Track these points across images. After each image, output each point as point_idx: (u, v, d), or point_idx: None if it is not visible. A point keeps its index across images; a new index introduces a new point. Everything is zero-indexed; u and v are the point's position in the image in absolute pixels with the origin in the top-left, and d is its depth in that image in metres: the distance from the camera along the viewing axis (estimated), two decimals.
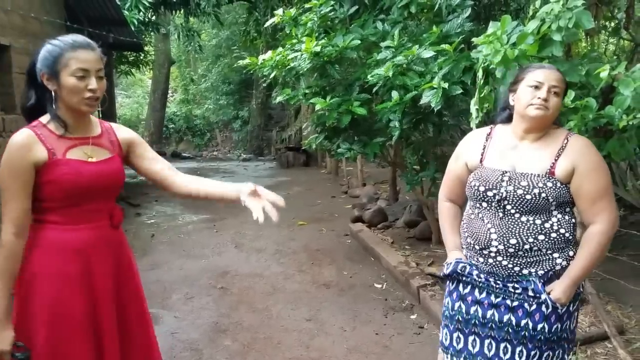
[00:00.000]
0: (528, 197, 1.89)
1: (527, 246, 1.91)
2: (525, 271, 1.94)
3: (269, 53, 4.77)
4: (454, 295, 2.11)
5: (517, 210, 1.91)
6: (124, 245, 2.00)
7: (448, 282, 2.16)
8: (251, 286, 4.56)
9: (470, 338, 2.06)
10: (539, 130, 1.96)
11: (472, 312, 2.04)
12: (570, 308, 1.97)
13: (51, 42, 1.78)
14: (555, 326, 1.95)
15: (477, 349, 2.04)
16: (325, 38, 4.50)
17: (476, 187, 2.00)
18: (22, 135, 1.73)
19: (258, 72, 5.09)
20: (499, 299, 1.99)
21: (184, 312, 4.00)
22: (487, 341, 2.03)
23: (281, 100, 5.09)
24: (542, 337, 1.95)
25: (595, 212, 1.90)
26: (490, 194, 1.95)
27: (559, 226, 1.93)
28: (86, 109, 1.79)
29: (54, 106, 1.77)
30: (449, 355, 2.13)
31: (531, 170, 1.93)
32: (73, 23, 7.16)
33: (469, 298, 2.06)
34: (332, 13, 4.75)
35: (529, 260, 1.93)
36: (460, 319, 2.08)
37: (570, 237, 1.96)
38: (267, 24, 5.46)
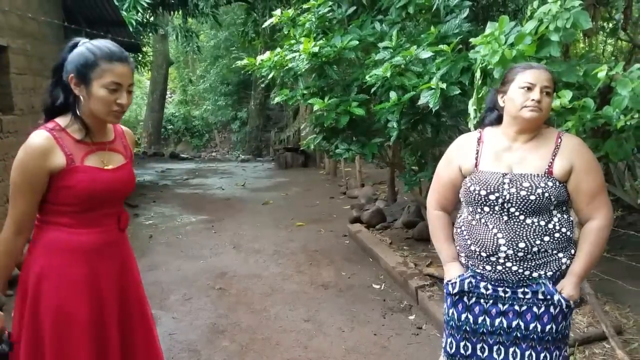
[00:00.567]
0: (532, 197, 1.87)
1: (535, 248, 1.90)
2: (535, 274, 1.93)
3: (267, 54, 4.77)
4: (460, 306, 2.07)
5: (522, 212, 1.90)
6: (128, 248, 2.01)
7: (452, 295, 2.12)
8: (249, 287, 4.56)
9: (479, 345, 2.05)
10: (532, 131, 1.96)
11: (479, 321, 2.03)
12: (574, 304, 1.98)
13: (86, 45, 1.73)
14: (561, 325, 1.97)
15: (486, 354, 2.04)
16: (324, 39, 4.50)
17: (477, 192, 1.96)
18: (42, 139, 1.70)
19: (256, 73, 5.10)
20: (506, 306, 1.98)
21: (182, 313, 4.00)
22: (495, 347, 2.03)
23: (279, 101, 5.09)
24: (550, 338, 1.96)
25: (593, 209, 1.93)
26: (492, 197, 1.92)
27: (561, 225, 1.93)
28: (112, 121, 1.79)
29: (77, 110, 1.75)
30: None
31: (529, 170, 1.92)
32: (71, 24, 7.15)
33: (476, 309, 2.03)
34: (331, 14, 4.76)
35: (537, 263, 1.92)
36: (468, 329, 2.05)
37: (571, 236, 1.97)
38: (265, 24, 5.46)
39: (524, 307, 1.96)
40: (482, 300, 2.02)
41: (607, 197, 1.96)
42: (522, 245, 1.90)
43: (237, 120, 21.72)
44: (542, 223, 1.91)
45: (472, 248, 2.00)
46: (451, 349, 2.11)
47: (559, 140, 1.95)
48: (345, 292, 4.43)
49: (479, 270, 2.00)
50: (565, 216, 1.96)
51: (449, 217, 2.20)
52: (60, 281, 1.77)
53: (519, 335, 1.98)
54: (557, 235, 1.92)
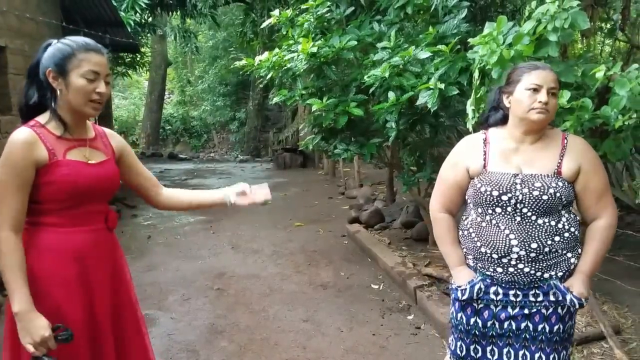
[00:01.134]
0: (545, 197, 1.87)
1: (546, 249, 1.90)
2: (546, 275, 1.93)
3: (266, 54, 4.77)
4: (469, 310, 2.05)
5: (534, 212, 1.89)
6: (118, 248, 2.00)
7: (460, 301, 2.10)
8: (248, 287, 4.56)
9: (489, 348, 2.05)
10: (538, 132, 1.96)
11: (489, 325, 2.02)
12: (585, 302, 1.99)
13: (61, 41, 1.77)
14: (568, 324, 1.99)
15: (495, 356, 2.04)
16: (322, 39, 4.50)
17: (488, 193, 1.93)
18: (24, 134, 1.71)
19: (255, 74, 5.10)
20: (516, 310, 1.98)
21: (181, 313, 4.00)
22: (505, 350, 2.02)
23: (278, 101, 5.09)
24: (558, 338, 1.97)
25: (600, 208, 1.95)
26: (505, 198, 1.91)
27: (569, 225, 1.94)
28: (90, 112, 1.78)
29: (54, 105, 1.75)
30: None
31: (539, 171, 1.92)
32: (69, 24, 7.14)
33: (485, 313, 2.02)
34: (329, 14, 4.76)
35: (548, 264, 1.92)
36: (477, 332, 2.05)
37: (578, 235, 1.98)
38: (264, 25, 5.46)
39: (533, 310, 1.96)
40: (491, 306, 2.01)
41: (612, 196, 1.98)
42: (534, 245, 1.89)
43: (235, 120, 21.73)
44: (553, 223, 1.91)
45: (482, 250, 1.97)
46: (461, 352, 2.10)
47: (565, 141, 1.96)
48: (343, 292, 4.43)
49: (488, 273, 1.98)
50: (572, 216, 1.96)
51: (454, 220, 2.17)
52: (52, 282, 1.75)
53: (527, 337, 1.98)
54: (566, 234, 1.92)
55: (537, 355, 1.98)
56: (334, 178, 11.20)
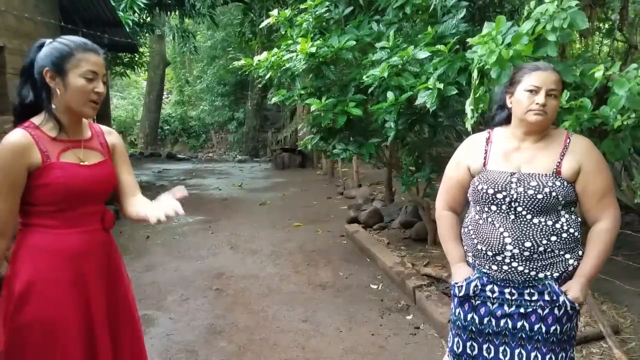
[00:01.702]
0: (539, 196, 1.87)
1: (541, 248, 1.90)
2: (541, 275, 1.93)
3: (264, 54, 4.77)
4: (466, 306, 2.06)
5: (529, 211, 1.90)
6: (114, 248, 1.99)
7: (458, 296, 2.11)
8: (247, 287, 4.55)
9: (485, 346, 2.05)
10: (539, 132, 1.96)
11: (485, 322, 2.03)
12: (580, 306, 1.98)
13: (57, 40, 1.75)
14: (566, 326, 1.96)
15: (492, 355, 2.04)
16: (321, 39, 4.51)
17: (484, 190, 1.96)
18: (18, 136, 1.69)
19: (253, 73, 5.10)
20: (512, 309, 1.98)
21: (179, 313, 3.99)
22: (501, 348, 2.03)
23: (277, 101, 5.09)
24: (555, 339, 1.95)
25: (601, 210, 1.93)
26: (500, 196, 1.93)
27: (569, 226, 1.93)
28: (89, 112, 1.78)
29: (50, 105, 1.74)
30: None
31: (537, 170, 1.93)
32: (67, 24, 7.13)
33: (482, 309, 2.03)
34: (328, 14, 4.76)
35: (543, 264, 1.92)
36: (474, 329, 2.06)
37: (579, 237, 1.97)
38: (262, 25, 5.47)
39: (529, 309, 1.96)
40: (488, 303, 2.02)
41: (614, 198, 1.96)
42: (528, 244, 1.90)
43: (234, 120, 21.72)
44: (550, 223, 1.91)
45: (479, 247, 2.00)
46: (458, 348, 2.11)
47: (568, 140, 1.95)
48: (342, 292, 4.43)
49: (485, 270, 2.00)
50: (573, 217, 1.95)
51: (458, 218, 2.20)
52: (48, 286, 1.74)
53: (523, 336, 1.98)
54: (564, 235, 1.92)
55: (532, 355, 1.97)
56: (333, 178, 11.20)
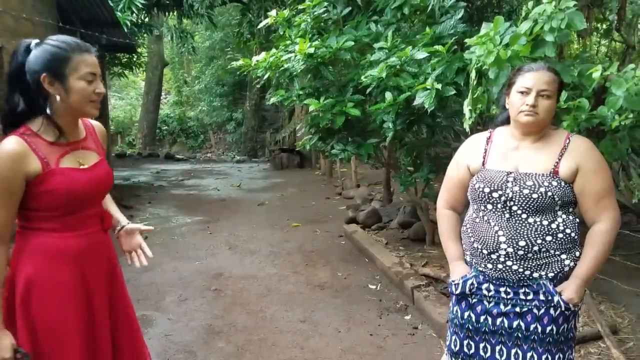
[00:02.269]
0: (534, 196, 1.88)
1: (536, 248, 1.90)
2: (535, 274, 1.93)
3: (263, 54, 4.76)
4: (463, 304, 2.08)
5: (524, 211, 1.90)
6: (112, 248, 1.99)
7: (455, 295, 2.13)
8: (245, 288, 4.55)
9: (482, 345, 2.06)
10: (536, 133, 1.97)
11: (481, 320, 2.04)
12: (576, 307, 1.97)
13: (49, 43, 1.69)
14: (562, 327, 1.96)
15: (488, 354, 2.05)
16: (319, 39, 4.51)
17: (481, 189, 1.98)
18: (13, 145, 1.64)
19: (252, 74, 5.09)
20: (508, 307, 1.99)
21: (178, 314, 3.99)
22: (497, 347, 2.03)
23: (275, 101, 5.09)
24: (551, 339, 1.95)
25: (599, 211, 1.92)
26: (495, 195, 1.94)
27: (565, 226, 1.93)
28: (93, 112, 1.76)
29: (49, 111, 1.70)
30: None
31: (535, 170, 1.93)
32: (65, 24, 7.12)
33: (478, 307, 2.04)
34: (326, 14, 4.76)
35: (538, 263, 1.92)
36: (471, 327, 2.06)
37: (576, 237, 1.96)
38: (261, 25, 5.47)
39: (525, 309, 1.96)
40: (484, 301, 2.03)
41: (614, 200, 1.94)
42: (522, 243, 1.90)
43: (232, 121, 21.72)
44: (545, 223, 1.91)
45: (475, 245, 2.02)
46: (455, 346, 2.12)
47: (567, 141, 1.95)
48: (341, 292, 4.43)
49: (480, 269, 2.02)
50: (570, 217, 1.95)
51: (458, 217, 2.22)
52: (50, 288, 1.73)
53: (520, 336, 1.98)
54: (560, 235, 1.91)
55: (529, 355, 1.98)
56: (331, 178, 11.21)
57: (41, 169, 1.68)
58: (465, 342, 2.09)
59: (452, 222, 2.20)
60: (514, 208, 1.91)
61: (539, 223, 1.90)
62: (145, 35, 13.89)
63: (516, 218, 1.92)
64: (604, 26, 5.47)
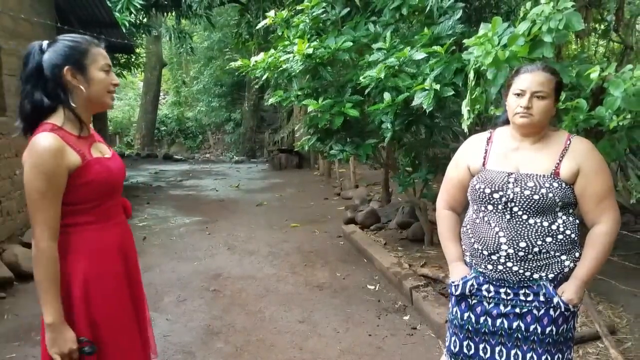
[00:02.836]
0: (536, 197, 1.87)
1: (536, 249, 1.90)
2: (535, 275, 1.93)
3: (261, 55, 4.77)
4: (463, 305, 2.08)
5: (524, 212, 1.90)
6: (133, 237, 2.05)
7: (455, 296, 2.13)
8: (244, 288, 4.55)
9: (481, 346, 2.06)
10: (534, 134, 1.96)
11: (481, 321, 2.04)
12: (575, 308, 1.97)
13: (67, 39, 1.75)
14: (562, 327, 1.96)
15: (488, 355, 2.05)
16: (318, 40, 4.51)
17: (481, 190, 1.97)
18: (51, 140, 1.66)
19: (250, 74, 5.10)
20: (507, 308, 1.99)
21: (176, 314, 3.99)
22: (497, 348, 2.03)
23: (273, 102, 5.08)
24: (551, 340, 1.96)
25: (599, 213, 1.92)
26: (496, 196, 1.93)
27: (565, 227, 1.92)
28: (110, 102, 1.82)
29: (72, 105, 1.74)
30: None
31: (535, 171, 1.92)
32: (63, 25, 7.13)
33: (478, 308, 2.04)
34: (324, 15, 4.77)
35: (538, 264, 1.92)
36: (470, 328, 2.06)
37: (576, 239, 1.96)
38: (259, 25, 5.47)
39: (525, 310, 1.96)
40: (484, 302, 2.03)
41: (614, 201, 1.94)
42: (522, 244, 1.90)
43: (230, 121, 21.72)
44: (546, 224, 1.90)
45: (475, 246, 2.01)
46: (455, 347, 2.12)
47: (568, 142, 1.95)
48: (340, 293, 4.43)
49: (480, 269, 2.01)
50: (571, 218, 1.95)
51: (458, 217, 2.21)
52: (107, 280, 1.78)
53: (519, 336, 1.98)
54: (560, 237, 1.91)
55: (528, 356, 1.98)
56: (330, 179, 11.21)
57: (80, 161, 1.71)
58: (465, 343, 2.09)
59: (452, 223, 2.19)
60: (515, 209, 1.91)
61: (539, 224, 1.90)
62: (143, 35, 13.90)
63: (517, 219, 1.91)
64: (602, 27, 5.48)
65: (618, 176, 4.34)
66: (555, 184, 1.89)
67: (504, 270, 1.95)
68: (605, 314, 3.58)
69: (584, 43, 6.51)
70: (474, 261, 2.05)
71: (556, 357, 1.97)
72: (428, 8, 3.95)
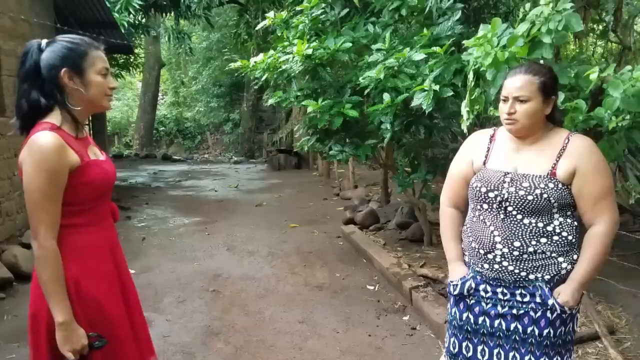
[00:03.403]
0: (530, 197, 1.87)
1: (530, 249, 1.90)
2: (531, 276, 1.92)
3: (261, 55, 4.77)
4: (461, 305, 2.08)
5: (519, 211, 1.90)
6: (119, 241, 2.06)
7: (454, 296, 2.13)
8: (243, 289, 4.55)
9: (479, 347, 2.06)
10: (528, 136, 1.96)
11: (480, 322, 2.04)
12: (573, 310, 1.95)
13: (65, 40, 1.75)
14: (560, 330, 1.95)
15: (486, 357, 2.05)
16: (317, 41, 4.51)
17: (477, 188, 1.98)
18: (53, 139, 1.65)
19: (249, 75, 5.10)
20: (505, 309, 1.99)
21: (176, 315, 3.99)
22: (495, 350, 2.03)
23: (272, 102, 5.09)
24: (549, 342, 1.94)
25: (597, 213, 1.89)
26: (491, 195, 1.94)
27: (561, 229, 1.91)
28: (108, 105, 1.82)
29: (69, 106, 1.73)
30: None
31: (532, 171, 1.92)
32: (62, 25, 7.12)
33: (476, 309, 2.04)
34: (324, 16, 4.77)
35: (534, 265, 1.91)
36: (469, 329, 2.07)
37: (574, 241, 1.94)
38: (259, 26, 5.47)
39: (522, 311, 1.96)
40: (482, 302, 2.03)
41: (613, 202, 1.90)
42: (517, 244, 1.90)
43: (229, 122, 21.73)
44: (540, 225, 1.90)
45: (473, 245, 2.02)
46: (454, 348, 2.12)
47: (567, 141, 1.92)
48: (339, 293, 4.44)
49: (478, 269, 2.02)
50: (568, 220, 1.93)
51: (460, 215, 2.19)
52: (96, 282, 1.78)
53: (517, 338, 1.98)
54: (555, 238, 1.90)
55: (527, 358, 1.97)
56: (329, 179, 11.21)
57: (79, 161, 1.71)
58: (464, 344, 2.09)
59: (454, 221, 2.18)
60: (509, 209, 1.91)
61: (533, 224, 1.90)
62: (142, 36, 13.89)
63: (511, 219, 1.91)
64: (600, 27, 5.49)
65: (617, 176, 4.35)
66: (551, 185, 1.87)
67: (500, 269, 1.95)
68: (605, 314, 3.59)
69: (583, 44, 6.52)
70: (471, 260, 2.05)
71: (554, 359, 1.96)
72: (427, 9, 3.96)
